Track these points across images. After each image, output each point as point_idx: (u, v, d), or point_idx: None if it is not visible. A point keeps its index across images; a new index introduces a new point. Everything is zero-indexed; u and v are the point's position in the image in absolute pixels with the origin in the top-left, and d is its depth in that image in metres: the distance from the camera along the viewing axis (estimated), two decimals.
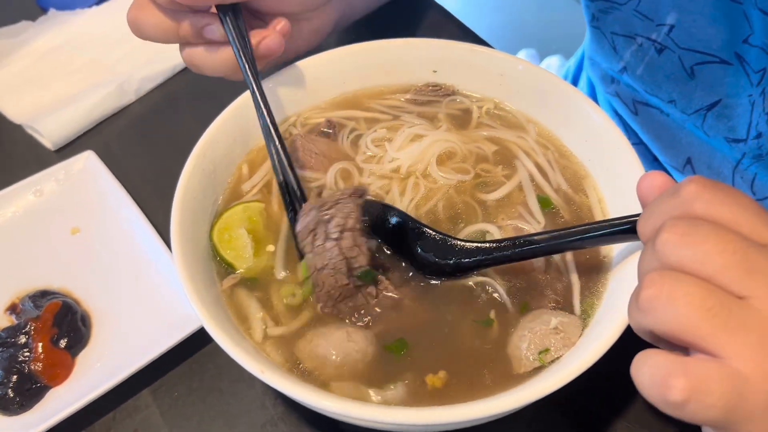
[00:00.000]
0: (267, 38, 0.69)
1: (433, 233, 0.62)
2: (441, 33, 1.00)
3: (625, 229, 0.52)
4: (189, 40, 0.70)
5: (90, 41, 1.04)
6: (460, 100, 0.77)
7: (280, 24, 0.70)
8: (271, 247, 0.66)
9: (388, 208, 0.65)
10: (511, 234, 0.66)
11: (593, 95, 1.01)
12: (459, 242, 0.61)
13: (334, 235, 0.60)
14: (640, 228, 0.45)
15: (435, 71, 0.77)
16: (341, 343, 0.58)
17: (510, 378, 0.57)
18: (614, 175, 0.66)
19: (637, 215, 0.47)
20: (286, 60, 0.76)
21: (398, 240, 0.64)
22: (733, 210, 0.41)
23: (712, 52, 0.76)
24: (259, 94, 0.67)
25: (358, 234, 0.60)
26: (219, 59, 0.70)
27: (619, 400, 0.67)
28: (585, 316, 0.60)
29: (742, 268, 0.39)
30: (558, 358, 0.57)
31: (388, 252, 0.64)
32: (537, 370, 0.57)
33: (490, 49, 0.75)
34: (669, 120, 0.87)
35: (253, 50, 0.68)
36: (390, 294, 0.61)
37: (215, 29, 0.68)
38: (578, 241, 0.56)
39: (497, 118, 0.75)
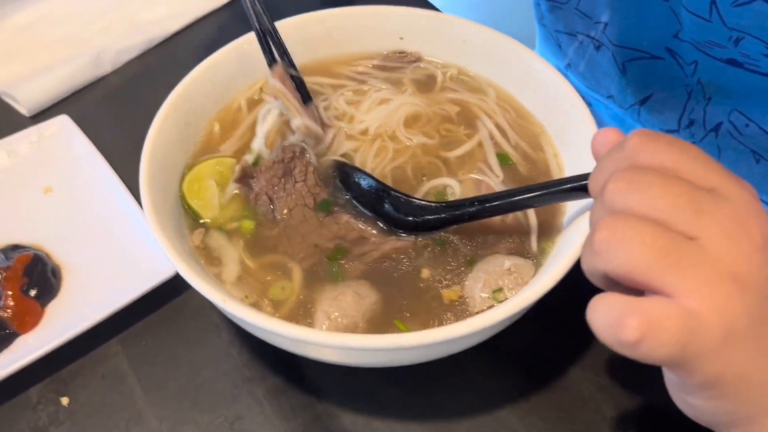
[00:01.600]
0: None
1: (399, 195, 0.65)
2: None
3: (578, 186, 0.54)
4: None
5: (67, 16, 1.06)
6: (425, 66, 0.80)
7: None
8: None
9: (358, 171, 0.68)
10: (470, 186, 0.69)
11: None
12: (423, 202, 0.64)
13: (301, 178, 0.67)
14: (591, 184, 0.46)
15: (401, 38, 0.80)
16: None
17: (466, 315, 0.60)
18: (569, 132, 0.69)
19: (589, 174, 0.48)
20: None
21: (368, 198, 0.67)
22: (676, 158, 0.42)
23: (643, 48, 0.80)
24: None
25: (317, 176, 0.68)
26: None
27: (576, 349, 0.69)
28: (540, 258, 0.63)
29: (690, 210, 0.40)
30: (510, 297, 0.60)
31: (359, 207, 0.67)
32: (491, 307, 0.60)
33: (454, 16, 0.78)
34: (613, 113, 0.91)
35: None
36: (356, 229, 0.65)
37: None
38: (535, 199, 0.58)
39: (460, 83, 0.78)
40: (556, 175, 0.70)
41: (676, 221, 0.40)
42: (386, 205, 0.66)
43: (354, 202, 0.68)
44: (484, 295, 0.60)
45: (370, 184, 0.66)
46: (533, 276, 0.61)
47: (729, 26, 0.69)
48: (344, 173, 0.69)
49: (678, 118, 0.82)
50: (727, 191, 0.42)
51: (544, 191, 0.57)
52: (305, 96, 0.74)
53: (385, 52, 0.81)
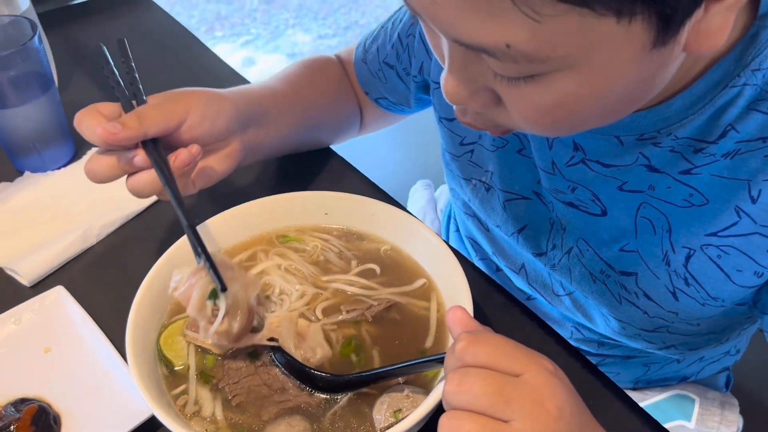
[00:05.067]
0: (179, 155, 0.89)
1: (316, 373, 0.85)
2: (340, 180, 1.28)
3: (441, 360, 0.74)
4: (127, 170, 0.89)
5: (58, 197, 1.28)
6: (354, 246, 1.02)
7: (193, 147, 0.90)
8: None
9: (283, 351, 0.87)
10: None
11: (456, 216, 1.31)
12: (329, 377, 0.84)
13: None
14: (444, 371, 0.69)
15: (326, 213, 1.04)
16: None
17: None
18: (452, 290, 0.92)
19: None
20: (210, 183, 0.97)
21: (292, 368, 0.87)
22: (491, 356, 0.61)
23: (516, 192, 1.04)
24: (178, 203, 0.86)
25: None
26: (148, 182, 0.89)
27: None
28: (429, 385, 0.84)
29: (502, 401, 0.58)
30: (408, 415, 0.80)
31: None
32: (393, 424, 0.80)
33: (362, 197, 1.01)
34: (501, 236, 1.15)
35: (170, 167, 0.88)
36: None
37: (140, 159, 0.88)
38: (412, 369, 0.81)
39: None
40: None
41: (494, 411, 0.58)
42: (303, 375, 0.86)
43: (280, 368, 0.87)
44: (387, 415, 0.81)
45: (291, 362, 0.86)
46: (425, 398, 0.82)
47: (566, 179, 0.95)
48: (273, 348, 0.88)
49: (545, 243, 1.05)
50: (530, 376, 0.60)
51: (420, 364, 0.80)
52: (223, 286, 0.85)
53: (329, 227, 1.04)
